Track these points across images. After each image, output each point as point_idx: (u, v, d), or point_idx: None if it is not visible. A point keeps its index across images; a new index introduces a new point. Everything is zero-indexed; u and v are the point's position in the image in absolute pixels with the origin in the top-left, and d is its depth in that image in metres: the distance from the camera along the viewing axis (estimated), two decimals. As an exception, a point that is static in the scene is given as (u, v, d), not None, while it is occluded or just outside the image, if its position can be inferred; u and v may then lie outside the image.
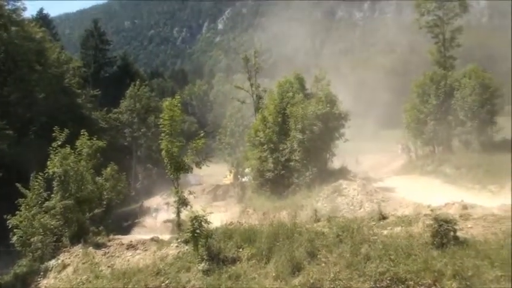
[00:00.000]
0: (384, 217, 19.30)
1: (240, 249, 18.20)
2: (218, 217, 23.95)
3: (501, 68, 75.19)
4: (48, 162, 25.12)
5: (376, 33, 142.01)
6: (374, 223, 18.48)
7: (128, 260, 20.91)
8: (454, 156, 43.66)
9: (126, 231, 41.82)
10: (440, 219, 15.01)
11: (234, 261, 17.63)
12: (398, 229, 17.04)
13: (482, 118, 43.06)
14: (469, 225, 16.51)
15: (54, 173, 24.91)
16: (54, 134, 26.18)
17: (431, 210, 16.71)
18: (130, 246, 22.38)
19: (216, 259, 17.70)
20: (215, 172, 64.75)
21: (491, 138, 43.73)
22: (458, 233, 14.99)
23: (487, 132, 43.81)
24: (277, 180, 39.71)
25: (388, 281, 13.67)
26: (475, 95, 42.89)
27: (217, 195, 58.92)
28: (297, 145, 37.80)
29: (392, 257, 14.33)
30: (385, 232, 16.82)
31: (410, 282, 13.41)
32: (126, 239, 25.11)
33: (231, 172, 64.21)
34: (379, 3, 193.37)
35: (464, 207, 20.21)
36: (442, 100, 46.37)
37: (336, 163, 40.25)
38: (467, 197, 25.33)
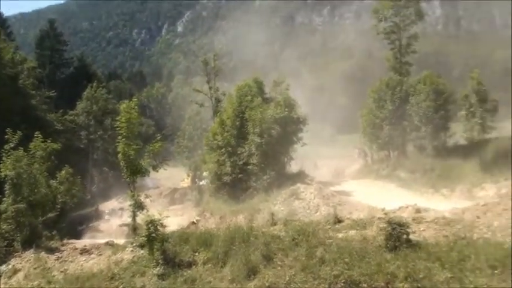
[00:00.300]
0: (339, 220, 19.57)
1: (196, 253, 18.14)
2: (175, 221, 23.83)
3: (455, 74, 77.34)
4: (0, 165, 24.52)
5: (335, 39, 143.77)
6: (329, 226, 18.72)
7: (82, 265, 20.60)
8: (408, 161, 44.45)
9: (81, 235, 41.15)
10: (394, 222, 15.31)
11: (189, 265, 17.56)
12: (353, 232, 17.30)
13: (436, 123, 43.87)
14: (422, 228, 16.89)
15: (6, 176, 24.36)
16: (6, 136, 25.61)
17: (385, 214, 17.00)
18: (84, 251, 22.07)
19: (172, 263, 17.59)
20: (173, 175, 64.44)
21: (445, 144, 44.56)
22: (411, 236, 15.33)
23: (441, 137, 44.67)
24: (235, 183, 39.65)
25: (342, 284, 13.84)
26: (430, 101, 43.63)
27: (175, 198, 58.43)
28: (255, 149, 37.85)
29: (346, 260, 14.55)
30: (340, 235, 17.05)
31: (364, 285, 13.63)
32: (80, 243, 24.77)
33: (188, 175, 63.85)
34: (339, 8, 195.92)
35: (418, 210, 20.63)
36: (398, 105, 47.09)
37: (293, 167, 40.55)
38: (421, 201, 25.90)
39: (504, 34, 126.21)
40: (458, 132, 43.57)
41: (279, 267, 15.51)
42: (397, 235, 15.01)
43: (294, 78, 66.63)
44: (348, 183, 42.69)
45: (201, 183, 55.11)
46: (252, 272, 15.79)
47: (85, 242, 26.37)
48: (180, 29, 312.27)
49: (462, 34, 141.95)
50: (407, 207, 21.62)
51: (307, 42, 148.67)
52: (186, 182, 64.42)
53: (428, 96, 43.83)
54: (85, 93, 75.30)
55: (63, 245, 23.37)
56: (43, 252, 22.20)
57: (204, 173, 50.97)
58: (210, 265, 17.25)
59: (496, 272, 12.68)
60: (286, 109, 37.68)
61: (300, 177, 36.85)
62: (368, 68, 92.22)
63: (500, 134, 40.92)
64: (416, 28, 50.22)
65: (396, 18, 49.61)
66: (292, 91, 42.34)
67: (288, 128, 37.70)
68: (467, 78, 43.77)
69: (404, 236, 15.05)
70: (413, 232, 15.77)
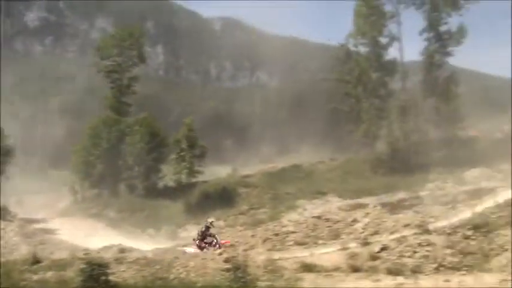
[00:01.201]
0: (38, 261, 18.63)
1: None
2: None
3: (172, 119, 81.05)
4: None
5: (56, 70, 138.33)
6: (27, 267, 17.64)
7: None
8: (119, 200, 44.77)
9: None
10: (94, 263, 15.07)
11: None
12: (50, 273, 16.56)
13: (149, 165, 45.25)
14: (122, 269, 16.99)
15: None
16: None
17: (87, 254, 16.73)
18: None
19: None
20: None
21: (155, 185, 46.13)
22: (111, 277, 15.23)
23: (152, 178, 46.05)
24: None
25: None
26: (144, 143, 44.87)
27: None
28: None
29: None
30: (36, 277, 16.16)
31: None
32: None
33: None
34: (62, 40, 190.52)
35: (122, 250, 20.83)
36: (113, 144, 47.28)
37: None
38: (128, 241, 26.36)
39: (216, 86, 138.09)
40: (169, 175, 45.45)
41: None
42: (96, 276, 14.79)
43: (6, 106, 62.34)
44: (54, 221, 41.14)
45: None
46: None
47: None
48: None
49: (181, 82, 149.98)
50: (111, 247, 21.68)
51: (25, 69, 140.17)
52: None
53: (143, 137, 44.97)
54: None
55: None
56: None
57: None
58: None
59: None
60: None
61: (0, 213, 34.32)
62: (88, 103, 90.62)
63: (207, 178, 44.11)
64: (138, 70, 51.55)
65: (119, 58, 50.21)
66: (2, 119, 39.71)
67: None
68: (182, 123, 46.00)
69: (103, 277, 14.91)
70: (114, 273, 15.74)
